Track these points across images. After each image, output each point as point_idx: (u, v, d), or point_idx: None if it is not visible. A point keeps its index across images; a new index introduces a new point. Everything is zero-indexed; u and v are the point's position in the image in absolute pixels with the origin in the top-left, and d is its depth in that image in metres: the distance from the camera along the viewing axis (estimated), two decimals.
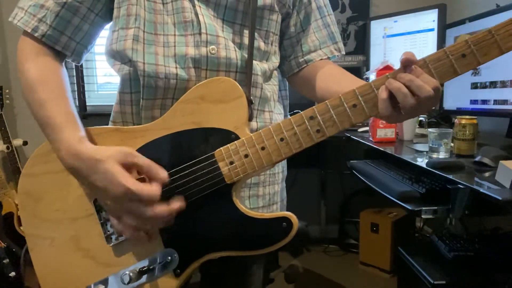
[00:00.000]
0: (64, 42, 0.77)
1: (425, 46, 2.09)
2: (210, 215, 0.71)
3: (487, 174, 1.15)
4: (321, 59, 0.89)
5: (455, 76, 0.63)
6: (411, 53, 0.64)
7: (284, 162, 0.93)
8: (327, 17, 0.89)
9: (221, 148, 0.70)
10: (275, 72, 0.89)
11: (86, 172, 0.66)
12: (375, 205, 2.48)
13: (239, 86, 0.72)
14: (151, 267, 0.72)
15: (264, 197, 0.86)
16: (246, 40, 0.79)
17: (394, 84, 0.63)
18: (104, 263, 0.74)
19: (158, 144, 0.72)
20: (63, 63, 0.80)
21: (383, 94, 0.64)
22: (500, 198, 0.94)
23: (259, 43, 0.82)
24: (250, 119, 0.73)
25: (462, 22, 1.79)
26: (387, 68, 1.73)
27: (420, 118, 1.96)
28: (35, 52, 0.76)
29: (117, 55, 0.78)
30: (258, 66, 0.81)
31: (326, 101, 0.67)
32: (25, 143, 2.29)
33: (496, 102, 1.60)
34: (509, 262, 1.40)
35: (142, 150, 0.71)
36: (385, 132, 1.75)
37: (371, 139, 1.81)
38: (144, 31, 0.75)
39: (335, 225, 2.84)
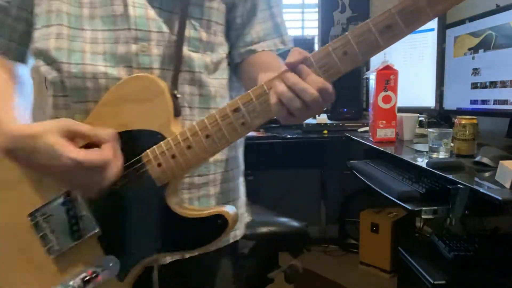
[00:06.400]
0: (3, 46, 0.75)
1: (425, 46, 2.09)
2: (146, 218, 0.70)
3: (487, 174, 1.15)
4: (263, 51, 0.84)
5: (379, 51, 0.59)
6: (299, 51, 0.60)
7: (241, 157, 0.89)
8: (274, 8, 0.85)
9: (147, 150, 0.67)
10: (224, 65, 0.84)
11: (26, 153, 0.61)
12: (375, 205, 2.48)
13: (159, 81, 0.68)
14: (93, 275, 0.69)
15: (217, 196, 0.81)
16: (185, 32, 0.74)
17: (278, 88, 0.60)
18: (48, 276, 0.72)
19: None
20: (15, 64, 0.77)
21: (272, 98, 0.61)
22: (500, 198, 0.94)
23: (201, 33, 0.77)
24: (177, 114, 0.69)
25: (462, 22, 1.79)
26: (387, 68, 1.73)
27: (420, 118, 1.96)
28: None
29: (40, 55, 0.73)
30: (199, 60, 0.77)
31: (249, 91, 0.63)
32: None
33: (496, 102, 1.60)
34: (509, 262, 1.40)
35: None
36: (385, 132, 1.75)
37: (371, 139, 1.81)
38: (68, 27, 0.70)
39: (335, 225, 2.84)
